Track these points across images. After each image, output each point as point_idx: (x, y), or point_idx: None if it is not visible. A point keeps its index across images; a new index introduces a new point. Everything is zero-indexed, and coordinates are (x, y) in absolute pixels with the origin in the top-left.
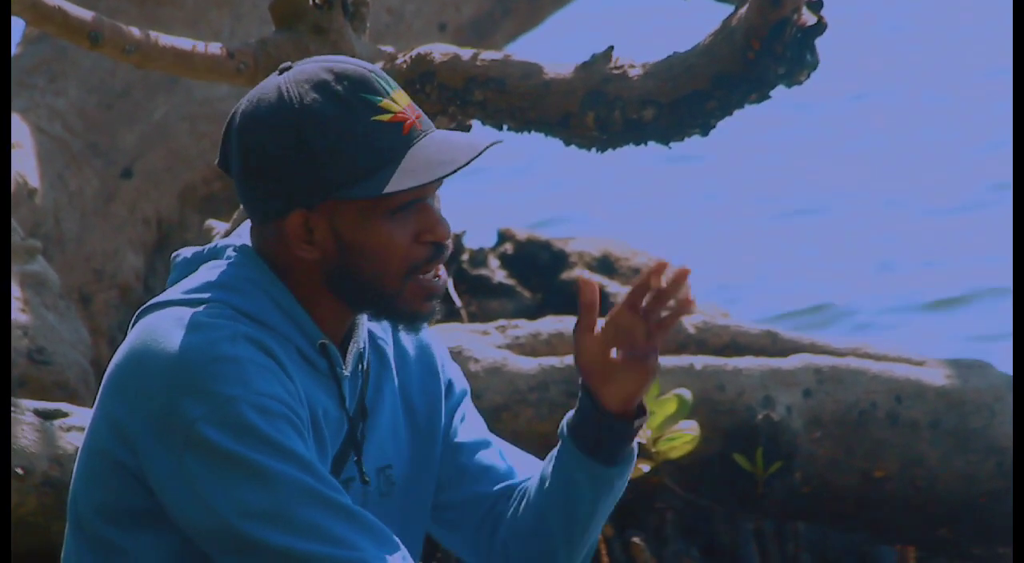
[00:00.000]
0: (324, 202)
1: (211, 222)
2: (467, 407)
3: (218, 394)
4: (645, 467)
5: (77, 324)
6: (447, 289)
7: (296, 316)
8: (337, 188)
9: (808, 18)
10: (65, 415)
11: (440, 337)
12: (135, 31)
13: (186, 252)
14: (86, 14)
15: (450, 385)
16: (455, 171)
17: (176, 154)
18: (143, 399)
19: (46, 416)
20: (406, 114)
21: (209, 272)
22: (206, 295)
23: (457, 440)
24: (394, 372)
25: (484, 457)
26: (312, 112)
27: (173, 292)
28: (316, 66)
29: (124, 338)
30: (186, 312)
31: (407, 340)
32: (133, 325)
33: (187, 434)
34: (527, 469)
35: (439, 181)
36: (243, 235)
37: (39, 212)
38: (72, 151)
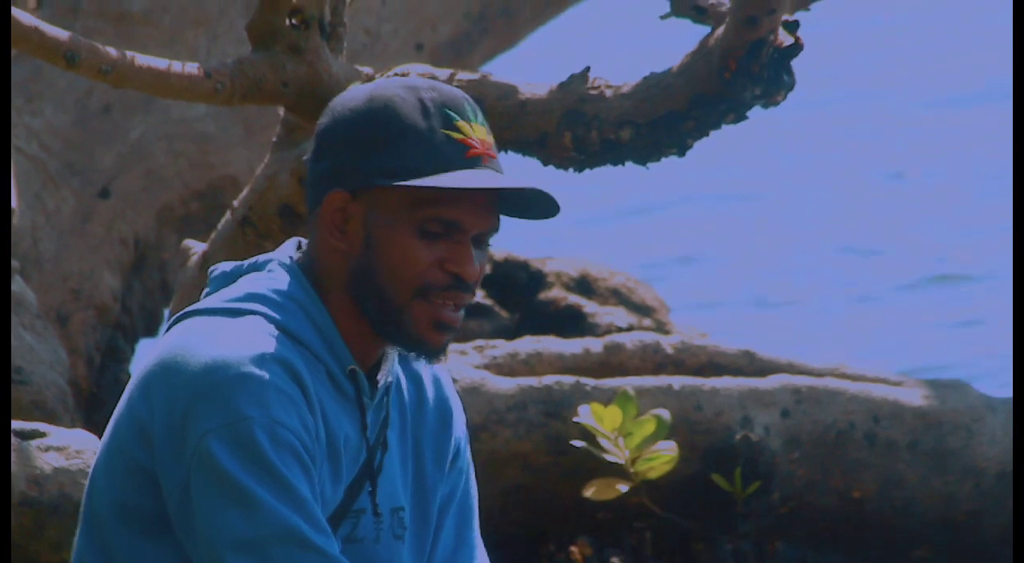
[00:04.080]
0: (367, 188)
1: (188, 242)
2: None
3: (234, 411)
4: (623, 487)
5: (55, 344)
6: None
7: (331, 338)
8: (382, 175)
9: (785, 39)
10: (43, 435)
11: (463, 410)
12: (111, 51)
13: (225, 266)
14: (62, 34)
15: (458, 453)
16: (495, 188)
17: (153, 174)
18: (166, 404)
19: (23, 436)
20: (476, 144)
21: (251, 284)
22: (247, 306)
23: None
24: (409, 419)
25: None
26: (391, 102)
27: (214, 300)
28: (419, 78)
29: (101, 359)
30: (223, 322)
31: (429, 391)
32: (169, 329)
33: (197, 445)
34: None
35: (486, 220)
36: (287, 250)
37: (16, 232)
38: (49, 171)
